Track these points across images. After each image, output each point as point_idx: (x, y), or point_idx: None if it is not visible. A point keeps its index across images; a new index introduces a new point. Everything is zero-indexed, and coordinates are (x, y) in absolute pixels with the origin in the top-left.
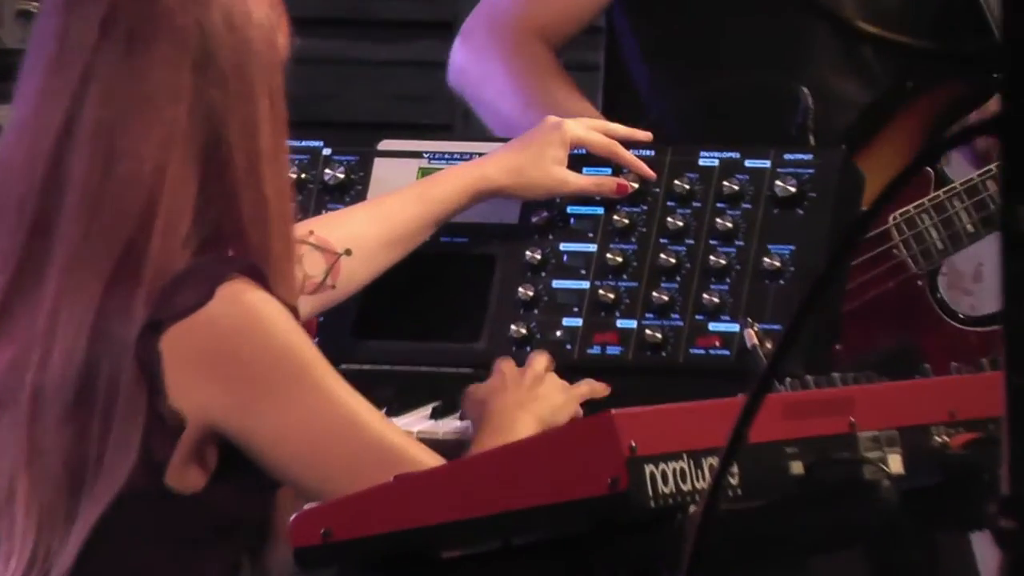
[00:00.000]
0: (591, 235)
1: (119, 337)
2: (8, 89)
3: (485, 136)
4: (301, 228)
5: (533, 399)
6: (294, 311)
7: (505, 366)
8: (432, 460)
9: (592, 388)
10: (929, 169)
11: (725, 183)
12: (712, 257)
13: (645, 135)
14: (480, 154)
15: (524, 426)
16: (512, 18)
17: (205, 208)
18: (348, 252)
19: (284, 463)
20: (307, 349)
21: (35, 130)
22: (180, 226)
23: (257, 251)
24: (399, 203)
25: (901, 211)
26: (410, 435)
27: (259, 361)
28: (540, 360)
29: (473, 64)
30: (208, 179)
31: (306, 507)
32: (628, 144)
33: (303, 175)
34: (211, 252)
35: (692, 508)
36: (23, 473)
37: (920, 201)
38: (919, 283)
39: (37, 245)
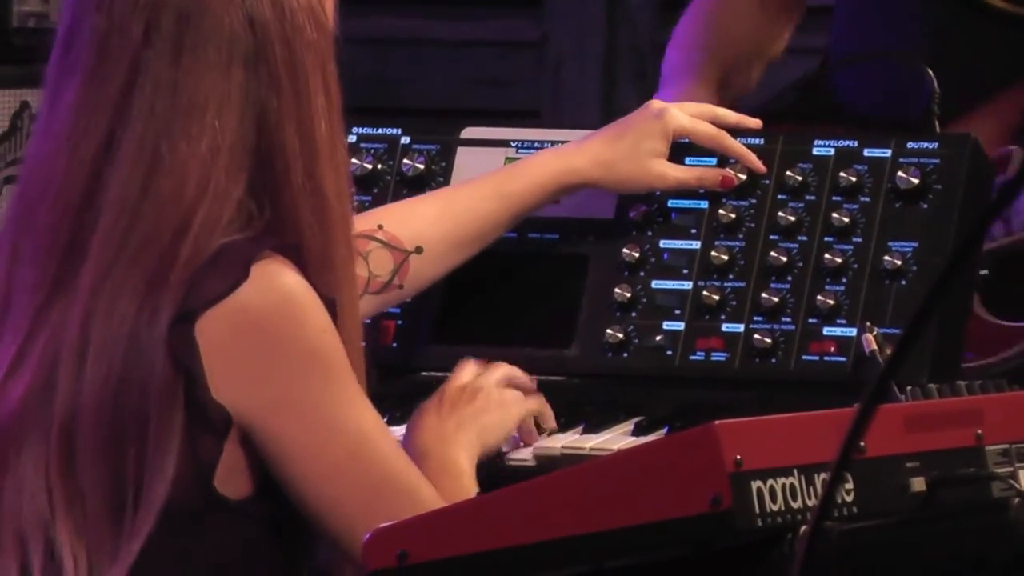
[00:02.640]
0: (694, 231)
1: (148, 340)
2: None
3: (577, 123)
4: (369, 220)
5: (459, 426)
6: (331, 304)
7: (449, 385)
8: (438, 504)
9: (541, 406)
10: None
11: (842, 174)
12: (827, 255)
13: (755, 123)
14: (570, 142)
15: (459, 459)
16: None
17: (251, 213)
18: (419, 250)
19: (296, 476)
20: (339, 356)
21: (74, 147)
22: (216, 228)
23: (320, 257)
24: (474, 198)
25: None
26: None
27: (291, 358)
28: (495, 369)
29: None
30: (259, 186)
31: (381, 525)
32: (736, 133)
33: (379, 166)
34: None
35: (803, 528)
36: (64, 519)
37: None
38: None
39: (70, 267)
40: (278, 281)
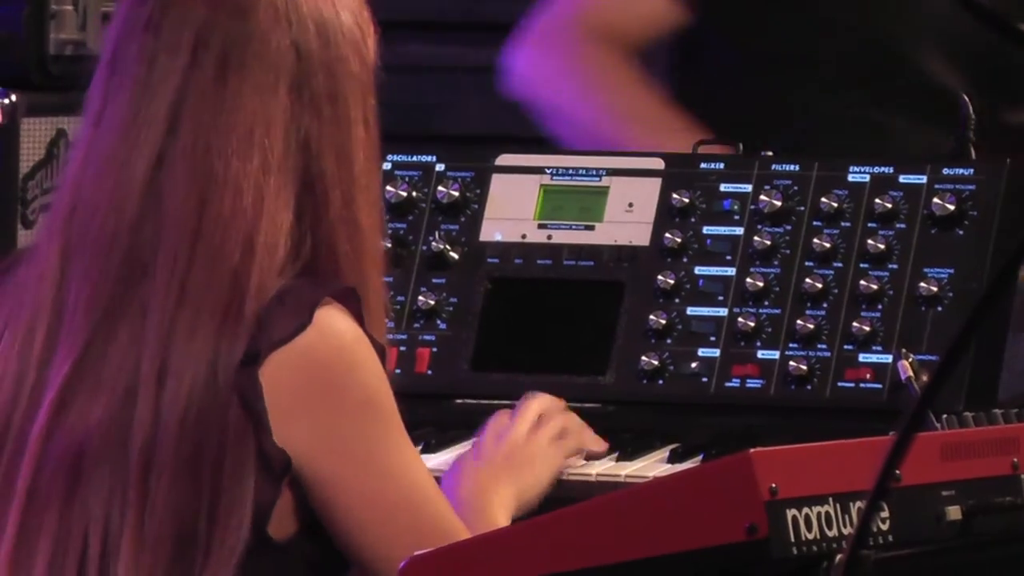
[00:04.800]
0: (729, 258)
1: (225, 375)
2: None
3: (610, 150)
4: None
5: (495, 486)
6: (381, 350)
7: (490, 427)
8: None
9: (579, 444)
10: None
11: (877, 200)
12: (862, 281)
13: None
14: (607, 169)
15: (496, 515)
16: (577, 17)
17: (299, 242)
18: None
19: (347, 519)
20: (391, 402)
21: (124, 161)
22: (276, 260)
23: (355, 287)
24: None
25: None
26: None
27: (350, 405)
28: (527, 413)
29: (540, 69)
30: (302, 212)
31: (417, 553)
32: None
33: (414, 193)
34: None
35: (838, 557)
36: (129, 536)
37: None
38: None
39: (130, 284)
40: (339, 328)
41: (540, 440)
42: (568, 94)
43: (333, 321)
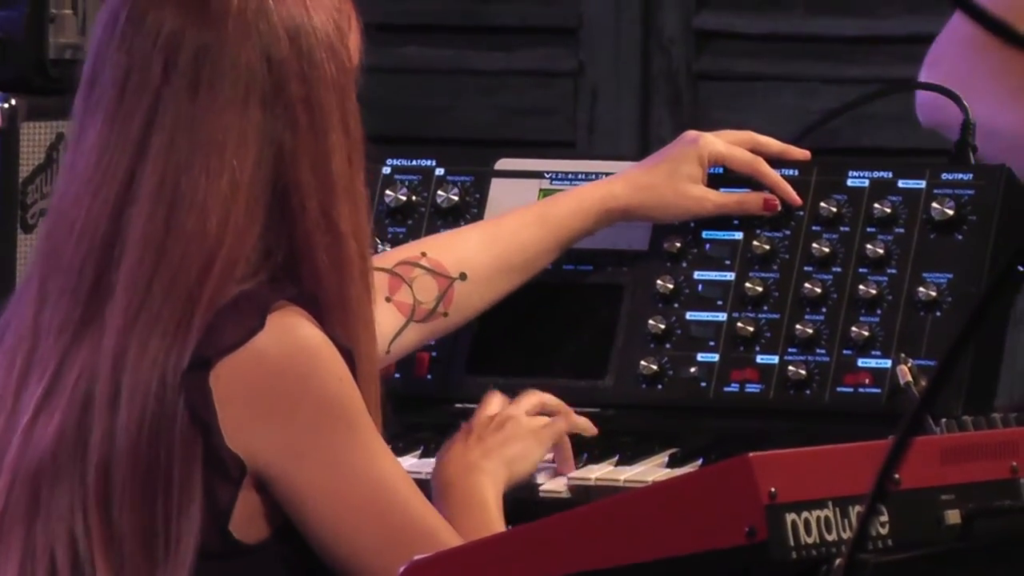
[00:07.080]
0: (728, 262)
1: (172, 385)
2: None
3: (612, 154)
4: (412, 249)
5: (485, 456)
6: (348, 353)
7: (477, 416)
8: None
9: (571, 423)
10: None
11: (876, 205)
12: (861, 286)
13: (802, 153)
14: (607, 174)
15: (484, 490)
16: (977, 35)
17: (270, 249)
18: (463, 276)
19: (317, 524)
20: (357, 404)
21: (97, 186)
22: (235, 271)
23: (336, 295)
24: (518, 224)
25: None
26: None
27: (308, 408)
28: (527, 399)
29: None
30: (275, 222)
31: (415, 558)
32: (776, 163)
33: (413, 197)
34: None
35: (837, 561)
36: (101, 559)
37: None
38: None
39: (98, 305)
40: (293, 332)
41: (534, 418)
42: (984, 110)
43: (286, 325)
